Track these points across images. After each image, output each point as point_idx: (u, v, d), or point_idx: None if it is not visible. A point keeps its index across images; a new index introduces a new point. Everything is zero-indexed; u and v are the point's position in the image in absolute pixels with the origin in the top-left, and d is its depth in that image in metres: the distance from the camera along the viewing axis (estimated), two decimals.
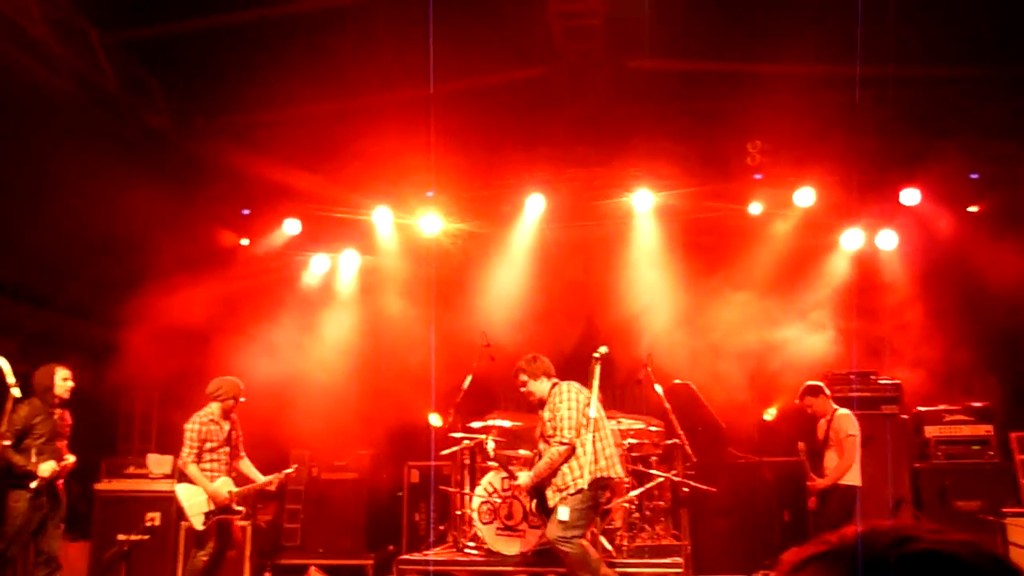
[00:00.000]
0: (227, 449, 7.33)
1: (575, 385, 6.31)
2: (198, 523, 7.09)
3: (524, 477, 6.28)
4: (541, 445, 6.31)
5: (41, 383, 7.06)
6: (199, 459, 7.18)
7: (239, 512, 7.28)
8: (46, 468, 6.79)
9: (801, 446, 7.48)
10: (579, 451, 6.03)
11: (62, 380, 7.12)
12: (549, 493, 6.14)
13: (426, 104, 7.80)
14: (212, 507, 7.09)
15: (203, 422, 7.25)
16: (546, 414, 6.28)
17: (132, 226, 8.41)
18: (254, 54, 8.12)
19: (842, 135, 8.13)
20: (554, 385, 6.35)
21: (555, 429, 6.12)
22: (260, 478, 7.43)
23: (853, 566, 0.75)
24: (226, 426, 7.36)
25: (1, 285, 8.23)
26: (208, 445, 7.22)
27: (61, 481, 7.06)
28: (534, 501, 6.36)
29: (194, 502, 7.10)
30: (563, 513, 5.94)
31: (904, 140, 8.38)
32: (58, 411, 7.12)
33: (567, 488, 6.01)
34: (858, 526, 0.81)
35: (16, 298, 8.42)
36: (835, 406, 7.49)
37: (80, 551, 8.67)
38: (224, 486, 7.18)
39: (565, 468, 6.05)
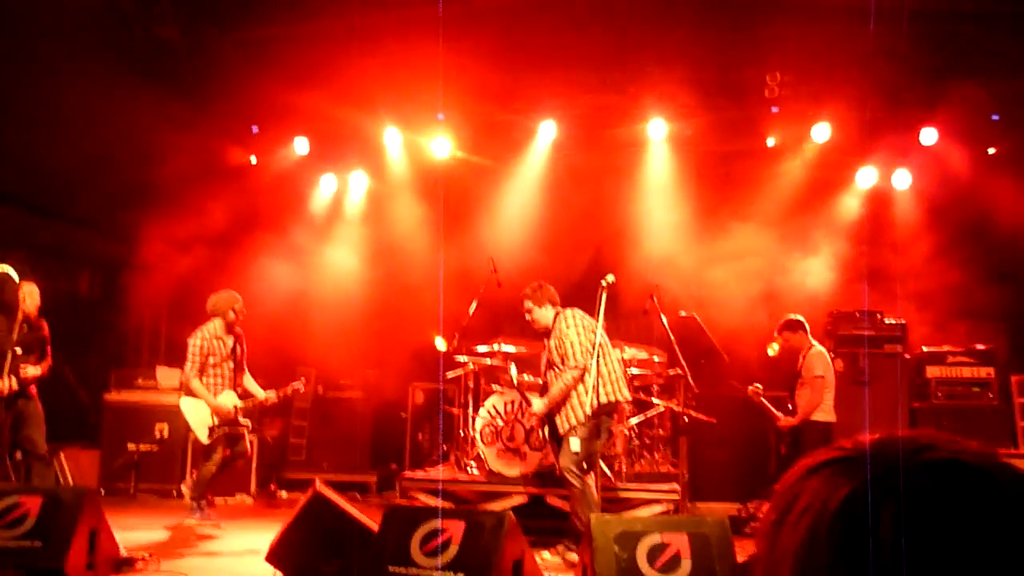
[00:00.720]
0: (231, 364, 7.41)
1: (579, 312, 6.32)
2: (203, 436, 7.22)
3: (538, 404, 6.30)
4: (549, 374, 6.34)
5: (6, 299, 7.08)
6: (202, 373, 7.28)
7: (244, 425, 7.40)
8: (8, 383, 6.81)
9: (754, 388, 7.49)
10: (586, 377, 6.07)
11: (28, 295, 7.03)
12: (559, 420, 6.20)
13: (438, 23, 7.64)
14: (216, 421, 7.22)
15: (205, 337, 7.32)
16: (552, 342, 6.29)
17: (141, 139, 8.38)
18: None
19: (861, 70, 7.96)
20: (557, 313, 6.35)
21: (563, 356, 6.15)
22: (262, 393, 7.53)
23: (874, 472, 0.73)
24: (229, 341, 7.42)
25: (10, 196, 8.24)
26: (211, 360, 7.31)
27: (33, 388, 7.04)
28: (546, 427, 6.44)
29: (198, 416, 7.22)
30: (575, 444, 6.00)
31: (924, 78, 8.21)
32: (28, 325, 7.05)
33: (577, 416, 6.06)
34: (872, 433, 0.80)
35: (26, 209, 8.44)
36: (813, 342, 7.46)
37: (90, 459, 8.87)
38: (228, 400, 7.30)
39: (573, 395, 6.11)
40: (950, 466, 0.72)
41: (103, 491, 8.45)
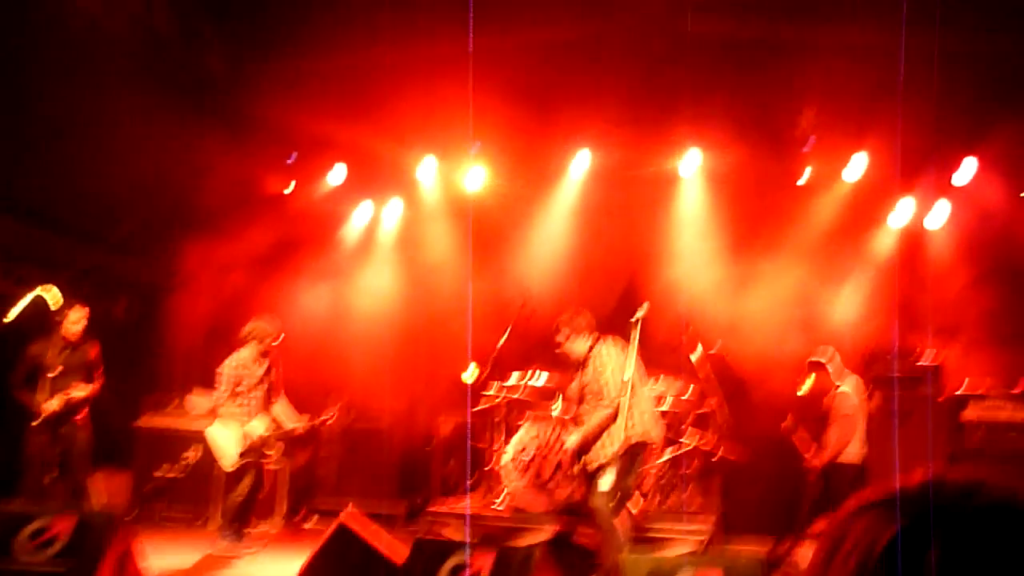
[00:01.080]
0: (260, 392, 7.40)
1: (616, 345, 6.16)
2: (227, 464, 7.21)
3: (573, 439, 6.12)
4: (583, 407, 6.16)
5: (55, 320, 7.17)
6: (234, 399, 7.29)
7: (268, 455, 7.35)
8: (51, 404, 6.88)
9: (788, 422, 7.40)
10: (619, 414, 5.96)
11: (71, 323, 7.10)
12: (588, 458, 6.05)
13: (473, 57, 7.74)
14: (243, 447, 7.19)
15: (236, 364, 7.33)
16: (588, 375, 6.12)
17: (182, 166, 8.54)
18: (304, 2, 8.14)
19: (896, 109, 7.93)
20: (596, 341, 6.18)
21: (596, 392, 6.02)
22: (290, 423, 7.51)
23: (921, 515, 0.73)
24: (260, 368, 7.41)
25: (54, 221, 8.41)
26: (241, 386, 7.30)
27: (79, 416, 7.11)
28: (578, 463, 6.27)
29: (224, 443, 7.21)
30: (604, 483, 5.86)
31: (960, 116, 8.15)
32: (78, 345, 7.13)
33: (606, 455, 5.94)
34: (924, 472, 0.80)
35: (68, 234, 8.60)
36: (837, 383, 7.40)
37: (120, 483, 8.92)
38: (257, 427, 7.28)
39: (605, 433, 6.00)
40: (1000, 510, 0.72)
41: (132, 517, 8.48)
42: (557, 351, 6.33)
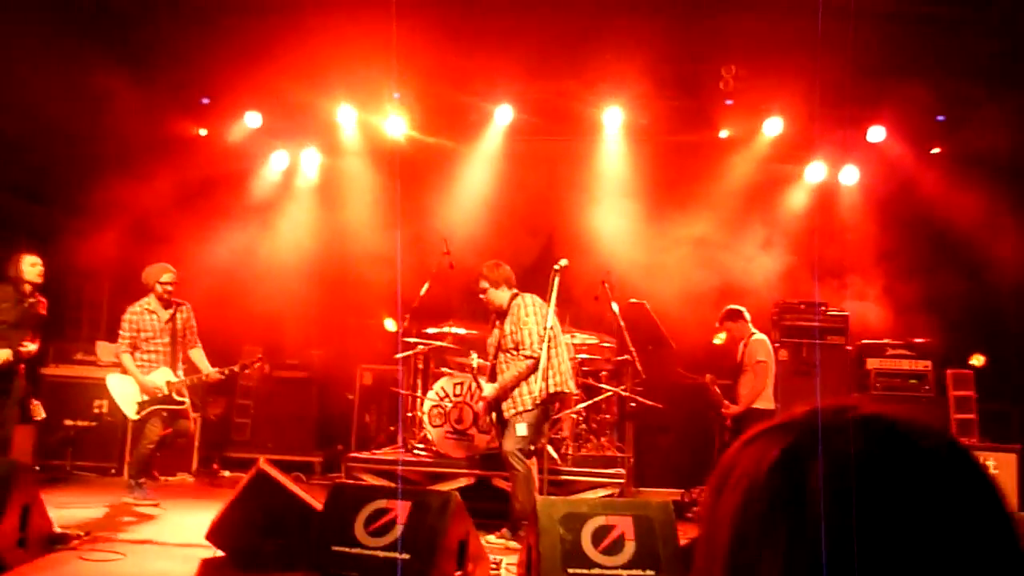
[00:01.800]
0: (166, 340, 7.21)
1: (537, 298, 6.24)
2: (130, 412, 7.05)
3: (489, 389, 6.20)
4: (501, 356, 6.25)
5: (10, 272, 6.91)
6: (136, 349, 7.13)
7: (181, 403, 7.16)
8: (2, 354, 6.69)
9: (709, 377, 7.67)
10: (538, 365, 6.03)
11: (30, 266, 6.91)
12: (505, 405, 6.16)
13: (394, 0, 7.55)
14: (145, 397, 7.04)
15: (137, 312, 7.18)
16: (507, 326, 6.21)
17: (86, 106, 8.14)
18: None
19: (813, 66, 8.08)
20: (514, 296, 6.28)
21: (518, 343, 6.09)
22: (205, 369, 7.36)
23: (803, 432, 0.77)
24: (165, 315, 7.22)
25: None
26: (144, 335, 7.14)
27: (22, 366, 6.95)
28: (494, 412, 6.38)
29: (125, 392, 7.06)
30: (521, 428, 5.97)
31: (873, 76, 8.37)
32: (29, 299, 6.94)
33: (524, 403, 6.04)
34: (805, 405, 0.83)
35: None
36: (753, 330, 7.65)
37: (26, 434, 8.62)
38: (160, 377, 7.11)
39: (524, 383, 6.08)
40: (871, 421, 0.76)
41: (38, 468, 8.22)
42: (480, 299, 6.35)
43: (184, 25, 8.58)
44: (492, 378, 6.32)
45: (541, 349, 5.99)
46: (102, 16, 8.25)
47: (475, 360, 6.47)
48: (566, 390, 6.26)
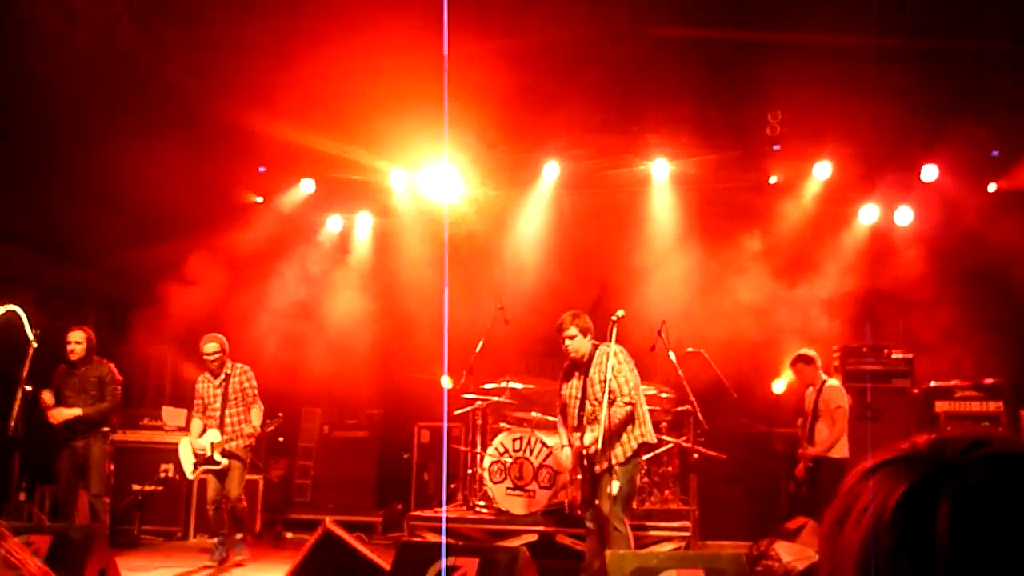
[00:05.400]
0: (217, 405, 7.46)
1: (622, 348, 6.04)
2: (188, 472, 7.46)
3: (591, 437, 5.82)
4: (589, 406, 5.94)
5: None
6: (198, 413, 7.56)
7: (217, 463, 7.31)
8: (57, 416, 7.12)
9: (800, 420, 7.55)
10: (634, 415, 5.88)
11: (67, 344, 7.31)
12: (598, 458, 5.82)
13: (443, 65, 7.75)
14: (195, 458, 7.39)
15: (199, 381, 7.63)
16: (594, 375, 5.96)
17: (150, 181, 8.43)
18: (272, 11, 8.09)
19: (862, 108, 8.07)
20: (595, 346, 6.07)
21: (613, 390, 5.81)
22: (247, 428, 7.44)
23: (931, 467, 0.75)
24: (216, 381, 7.50)
25: (21, 237, 8.27)
26: (204, 402, 7.54)
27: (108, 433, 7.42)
28: (584, 465, 6.02)
29: (184, 452, 7.48)
30: (615, 486, 5.67)
31: (925, 114, 8.31)
32: (81, 368, 7.31)
33: (618, 456, 5.81)
34: (928, 435, 0.82)
35: (36, 250, 8.48)
36: (824, 376, 7.51)
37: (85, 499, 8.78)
38: (208, 439, 7.39)
39: (623, 433, 5.88)
40: (1005, 458, 0.74)
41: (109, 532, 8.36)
42: (567, 343, 6.08)
43: (239, 98, 8.89)
44: (579, 429, 5.98)
45: (638, 396, 5.89)
46: (162, 92, 8.60)
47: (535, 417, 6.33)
48: (652, 440, 6.14)
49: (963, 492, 0.72)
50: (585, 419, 5.97)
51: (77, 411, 7.18)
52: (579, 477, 6.32)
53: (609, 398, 5.77)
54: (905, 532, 0.73)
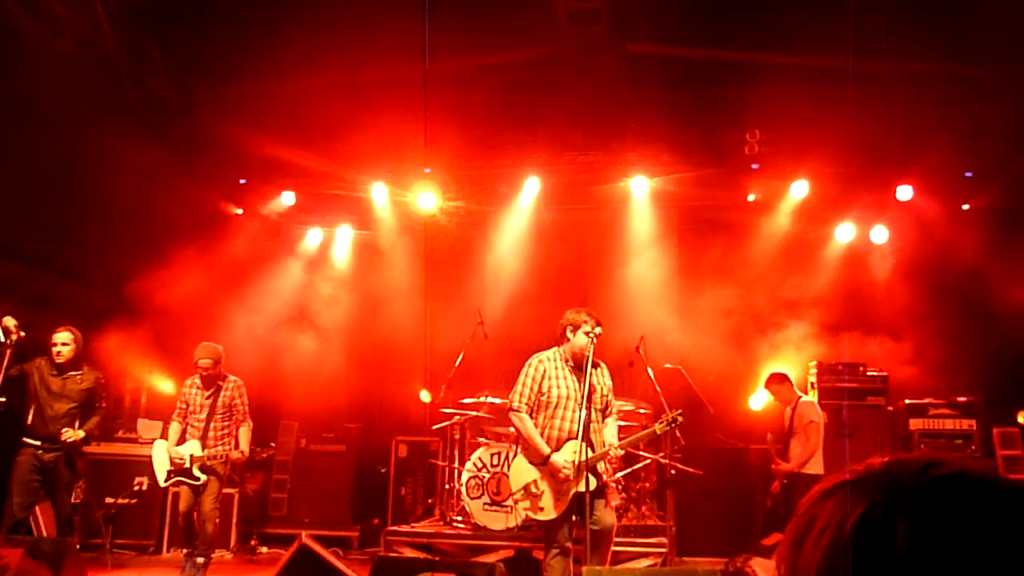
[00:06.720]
0: (203, 415, 7.19)
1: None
2: (160, 479, 7.13)
3: (614, 437, 5.65)
4: (595, 414, 5.59)
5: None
6: (181, 420, 7.26)
7: (196, 479, 7.05)
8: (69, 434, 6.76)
9: (770, 436, 7.62)
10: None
11: (52, 346, 6.91)
12: (602, 467, 5.66)
13: (424, 81, 7.78)
14: (171, 466, 7.08)
15: (187, 385, 7.35)
16: (598, 384, 5.66)
17: (129, 191, 8.39)
18: (254, 26, 8.11)
19: (839, 128, 8.19)
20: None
21: (610, 403, 5.73)
22: (241, 447, 7.26)
23: (886, 489, 0.77)
24: (206, 391, 7.25)
25: None
26: (189, 408, 7.26)
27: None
28: (588, 477, 5.48)
29: (161, 458, 7.16)
30: (613, 498, 5.70)
31: (901, 136, 8.44)
32: (70, 374, 6.92)
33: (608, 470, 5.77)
34: (884, 456, 0.85)
35: (12, 259, 8.40)
36: (799, 393, 7.62)
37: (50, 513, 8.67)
38: (187, 449, 7.12)
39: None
40: (957, 479, 0.77)
41: (78, 546, 8.23)
42: (592, 341, 5.60)
43: (220, 111, 8.89)
44: (585, 433, 5.42)
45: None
46: (144, 104, 8.58)
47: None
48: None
49: (919, 511, 0.74)
50: (592, 428, 5.52)
51: (80, 433, 6.79)
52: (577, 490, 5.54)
53: (608, 410, 5.70)
54: (866, 549, 0.75)
